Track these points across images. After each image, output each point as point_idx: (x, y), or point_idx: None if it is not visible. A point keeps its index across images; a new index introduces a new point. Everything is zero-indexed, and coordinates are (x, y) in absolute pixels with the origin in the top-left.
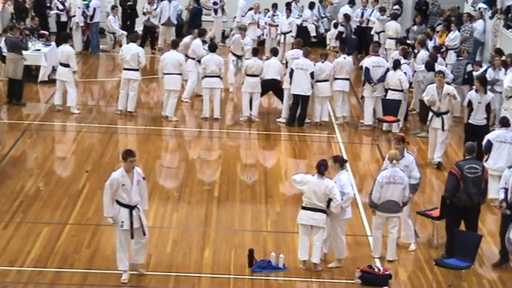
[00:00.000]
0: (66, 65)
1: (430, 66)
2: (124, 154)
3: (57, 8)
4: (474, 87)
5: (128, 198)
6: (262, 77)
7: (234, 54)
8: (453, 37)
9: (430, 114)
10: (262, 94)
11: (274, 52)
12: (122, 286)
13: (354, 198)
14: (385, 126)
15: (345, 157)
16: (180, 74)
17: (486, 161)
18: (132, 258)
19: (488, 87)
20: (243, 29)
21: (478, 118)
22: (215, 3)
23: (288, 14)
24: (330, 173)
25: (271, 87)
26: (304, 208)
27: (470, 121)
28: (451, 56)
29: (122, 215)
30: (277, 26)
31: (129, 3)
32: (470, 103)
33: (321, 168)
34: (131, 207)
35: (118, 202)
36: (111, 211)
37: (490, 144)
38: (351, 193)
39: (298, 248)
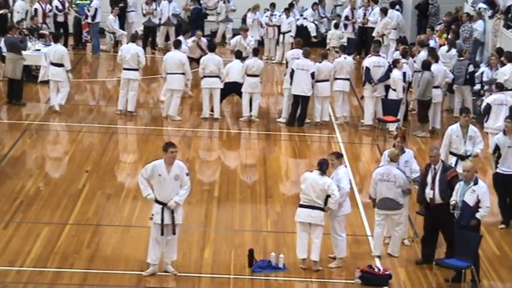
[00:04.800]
0: (59, 65)
1: (426, 65)
2: (165, 145)
3: (56, 8)
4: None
5: (162, 193)
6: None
7: None
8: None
9: (454, 158)
10: (224, 97)
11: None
12: (122, 286)
13: (349, 193)
14: (390, 127)
15: (344, 157)
16: (183, 74)
17: (486, 121)
18: (164, 255)
19: (486, 87)
20: (244, 30)
21: (507, 166)
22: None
23: (287, 14)
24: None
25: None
26: (301, 206)
27: (498, 170)
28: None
29: (154, 209)
30: (276, 25)
31: (120, 4)
32: (497, 148)
33: (323, 167)
34: (164, 204)
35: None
36: (148, 190)
37: (489, 106)
38: (346, 187)
39: (297, 246)
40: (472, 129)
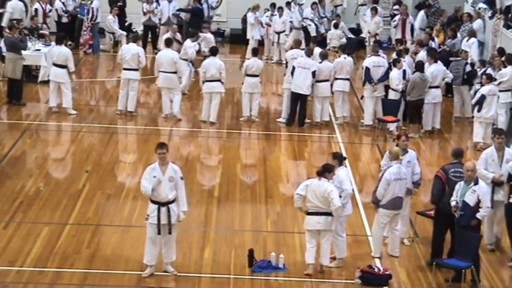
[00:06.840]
0: (63, 66)
1: (419, 66)
2: (156, 146)
3: (62, 10)
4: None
5: (157, 194)
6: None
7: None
8: (454, 41)
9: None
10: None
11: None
12: (122, 286)
13: (352, 194)
14: (390, 127)
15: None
16: (175, 72)
17: (478, 111)
18: (163, 256)
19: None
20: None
21: None
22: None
23: (280, 14)
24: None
25: None
26: (309, 213)
27: (511, 201)
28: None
29: (150, 209)
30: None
31: (119, 4)
32: (511, 177)
33: (320, 170)
34: (160, 204)
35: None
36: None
37: (484, 97)
38: (349, 189)
39: (306, 252)
40: (509, 152)
